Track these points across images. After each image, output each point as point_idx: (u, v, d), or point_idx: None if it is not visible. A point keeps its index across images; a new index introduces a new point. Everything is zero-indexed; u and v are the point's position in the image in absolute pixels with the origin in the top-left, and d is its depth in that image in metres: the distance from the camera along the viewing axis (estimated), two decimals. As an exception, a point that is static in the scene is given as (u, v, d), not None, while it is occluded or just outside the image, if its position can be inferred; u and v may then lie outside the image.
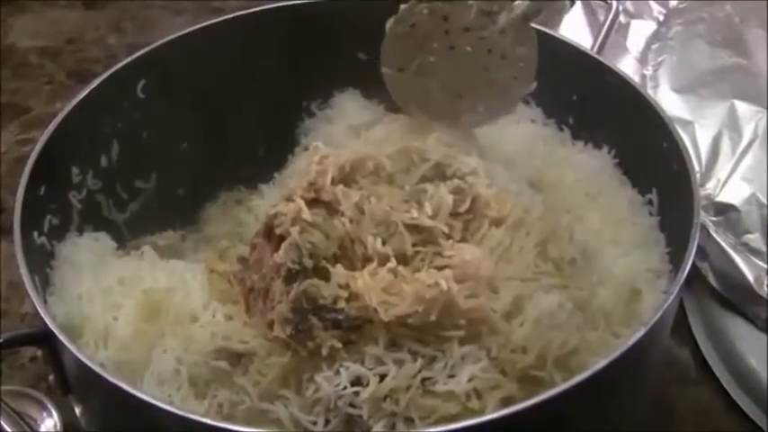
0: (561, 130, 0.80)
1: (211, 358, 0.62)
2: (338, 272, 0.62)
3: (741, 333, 0.80)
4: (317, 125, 0.83)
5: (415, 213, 0.65)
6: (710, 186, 0.85)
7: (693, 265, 0.63)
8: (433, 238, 0.65)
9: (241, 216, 0.80)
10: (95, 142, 0.76)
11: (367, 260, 0.64)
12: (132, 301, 0.65)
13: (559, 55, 0.78)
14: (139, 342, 0.64)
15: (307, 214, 0.64)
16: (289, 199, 0.66)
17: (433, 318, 0.60)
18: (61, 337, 0.58)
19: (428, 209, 0.65)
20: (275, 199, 0.71)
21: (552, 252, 0.66)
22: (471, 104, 0.76)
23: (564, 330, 0.62)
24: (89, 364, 0.56)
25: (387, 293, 0.61)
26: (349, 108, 0.83)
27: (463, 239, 0.66)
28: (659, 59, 0.95)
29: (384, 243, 0.64)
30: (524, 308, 0.63)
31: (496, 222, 0.67)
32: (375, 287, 0.61)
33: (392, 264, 0.63)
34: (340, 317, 0.60)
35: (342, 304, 0.61)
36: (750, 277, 0.80)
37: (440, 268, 0.63)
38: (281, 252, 0.63)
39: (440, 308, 0.60)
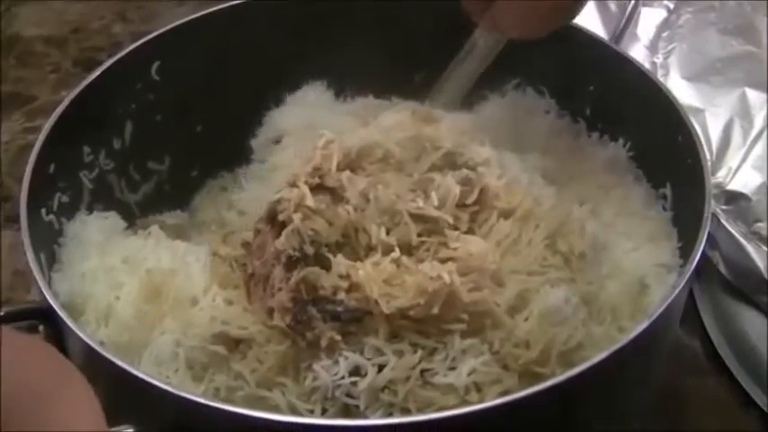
0: (577, 121, 0.80)
1: (209, 343, 0.61)
2: (339, 261, 0.62)
3: (752, 323, 0.79)
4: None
5: (420, 203, 0.64)
6: (721, 175, 0.84)
7: (703, 254, 0.62)
8: (438, 229, 0.64)
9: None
10: (108, 122, 0.75)
11: (371, 249, 0.63)
12: (134, 281, 0.65)
13: (576, 45, 0.77)
14: (140, 323, 0.63)
15: (310, 200, 0.63)
16: (293, 184, 0.65)
17: (434, 311, 0.59)
18: (61, 313, 0.58)
19: (434, 199, 0.64)
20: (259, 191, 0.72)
21: (561, 245, 0.65)
22: None
23: (569, 325, 0.61)
24: (87, 340, 0.56)
25: (388, 285, 0.60)
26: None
27: (470, 231, 0.65)
28: (669, 47, 0.94)
29: (388, 232, 0.63)
30: (530, 302, 0.62)
31: (505, 214, 0.66)
32: (377, 278, 0.60)
33: (395, 254, 0.62)
34: (339, 309, 0.60)
35: (341, 295, 0.60)
36: (761, 266, 0.79)
37: (444, 260, 0.62)
38: (282, 238, 0.63)
39: (442, 301, 0.59)
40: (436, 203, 0.64)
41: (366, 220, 0.64)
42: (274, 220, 0.65)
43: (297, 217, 0.63)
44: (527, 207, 0.66)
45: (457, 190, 0.65)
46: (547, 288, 0.62)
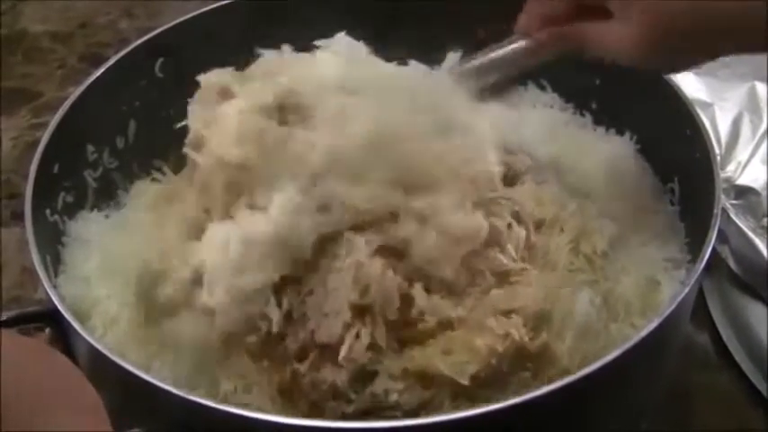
0: (582, 115, 0.79)
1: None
2: (388, 366, 0.59)
3: (761, 317, 0.79)
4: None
5: (504, 260, 0.63)
6: (731, 169, 0.84)
7: (713, 250, 0.62)
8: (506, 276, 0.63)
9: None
10: (112, 121, 0.75)
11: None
12: (128, 303, 0.64)
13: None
14: (138, 348, 0.63)
15: (382, 340, 0.60)
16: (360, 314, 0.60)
17: (504, 368, 0.59)
18: (67, 316, 0.58)
19: (511, 251, 0.63)
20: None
21: (585, 247, 0.65)
22: None
23: (597, 334, 0.62)
24: (94, 343, 0.56)
25: (452, 354, 0.59)
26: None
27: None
28: (678, 40, 0.94)
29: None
30: (567, 323, 0.62)
31: (537, 224, 0.66)
32: (435, 353, 0.59)
33: (441, 315, 0.60)
34: (398, 413, 0.58)
35: (394, 396, 0.58)
36: (771, 261, 0.79)
37: (506, 312, 0.61)
38: (344, 378, 0.59)
39: (511, 357, 0.59)
40: (514, 255, 0.63)
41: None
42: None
43: (366, 356, 0.59)
44: (554, 212, 0.66)
45: (523, 234, 0.64)
46: (579, 302, 0.62)
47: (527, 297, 0.61)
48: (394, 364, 0.59)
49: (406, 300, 0.60)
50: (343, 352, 0.59)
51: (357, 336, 0.59)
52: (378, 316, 0.60)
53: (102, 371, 0.55)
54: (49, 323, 0.60)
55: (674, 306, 0.57)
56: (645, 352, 0.56)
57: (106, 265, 0.67)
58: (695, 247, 0.65)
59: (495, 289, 0.62)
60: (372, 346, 0.59)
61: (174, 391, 0.53)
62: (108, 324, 0.64)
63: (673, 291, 0.65)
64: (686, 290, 0.58)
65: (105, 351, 0.55)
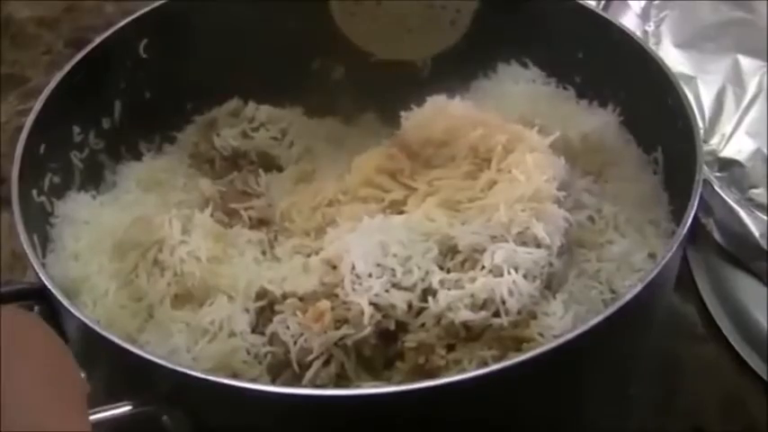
0: (566, 89, 0.79)
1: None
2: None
3: (747, 289, 0.80)
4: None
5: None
6: (714, 142, 0.84)
7: (698, 221, 0.62)
8: None
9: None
10: (97, 101, 0.75)
11: None
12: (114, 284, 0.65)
13: (565, 12, 0.77)
14: (125, 319, 0.64)
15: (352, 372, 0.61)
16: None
17: None
18: (56, 293, 0.58)
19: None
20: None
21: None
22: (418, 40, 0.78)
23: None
24: (83, 318, 0.56)
25: None
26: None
27: None
28: (661, 15, 0.93)
29: None
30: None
31: None
32: None
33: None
34: None
35: None
36: (756, 232, 0.79)
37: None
38: None
39: None
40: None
41: None
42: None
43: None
44: None
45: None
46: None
47: None
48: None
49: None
50: (306, 378, 0.59)
51: (327, 362, 0.60)
52: (351, 351, 0.60)
53: (92, 346, 0.56)
54: (38, 301, 0.60)
55: (656, 271, 0.57)
56: (629, 316, 0.56)
57: (97, 241, 0.67)
58: (680, 214, 0.65)
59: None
60: (341, 375, 0.60)
61: (164, 363, 0.53)
62: (98, 298, 0.64)
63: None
64: (669, 253, 0.58)
65: (95, 326, 0.56)
